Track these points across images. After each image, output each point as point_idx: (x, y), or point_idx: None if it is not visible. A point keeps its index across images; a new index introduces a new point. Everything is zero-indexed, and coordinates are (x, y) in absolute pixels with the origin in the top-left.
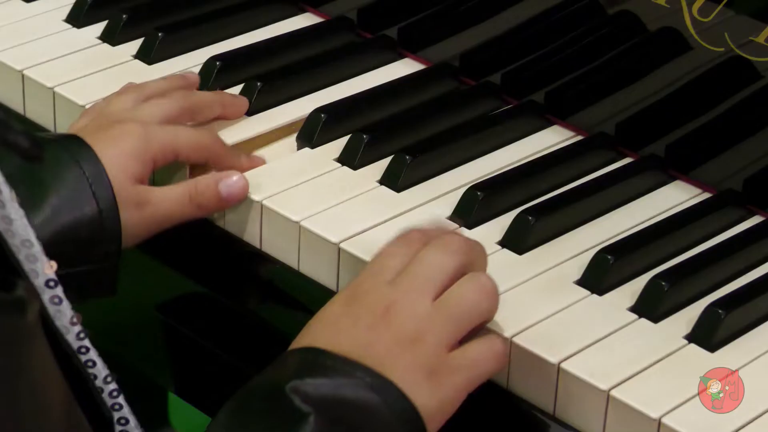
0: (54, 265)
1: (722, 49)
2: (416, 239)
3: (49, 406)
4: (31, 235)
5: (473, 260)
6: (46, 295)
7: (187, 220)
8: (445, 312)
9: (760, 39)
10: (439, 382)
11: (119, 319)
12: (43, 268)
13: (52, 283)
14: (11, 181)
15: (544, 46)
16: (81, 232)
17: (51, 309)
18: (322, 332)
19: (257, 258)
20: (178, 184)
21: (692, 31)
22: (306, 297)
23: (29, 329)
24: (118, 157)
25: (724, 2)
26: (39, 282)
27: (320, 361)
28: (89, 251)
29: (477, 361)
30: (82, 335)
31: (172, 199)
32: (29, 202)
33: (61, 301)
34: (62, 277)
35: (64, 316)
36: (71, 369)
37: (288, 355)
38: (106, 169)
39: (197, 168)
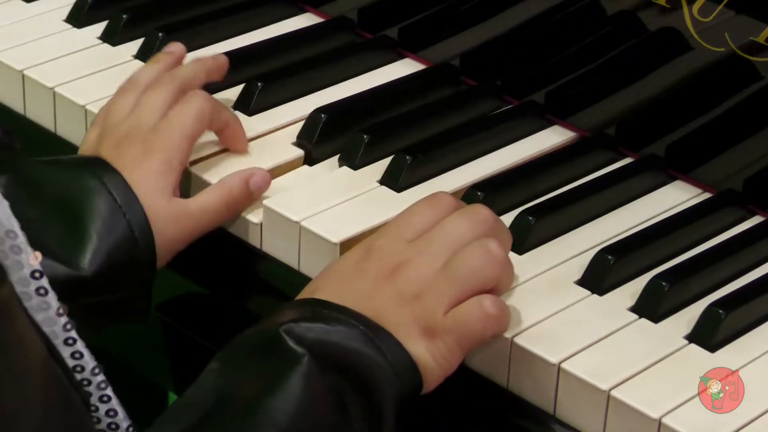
0: (39, 256)
1: (722, 49)
2: (445, 204)
3: (32, 382)
4: (15, 226)
5: (495, 236)
6: (31, 287)
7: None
8: (449, 274)
9: (760, 39)
10: (434, 339)
11: None
12: (28, 259)
13: (37, 274)
14: (47, 218)
15: (544, 47)
16: (116, 260)
17: (36, 300)
18: (328, 280)
19: (257, 258)
20: (212, 191)
21: (692, 31)
22: None
23: (2, 306)
24: (148, 178)
25: (724, 2)
26: (24, 273)
27: (317, 309)
28: (124, 278)
29: (466, 321)
30: (68, 326)
31: (211, 212)
32: (70, 241)
33: (47, 292)
34: (99, 305)
35: (50, 307)
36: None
37: (288, 304)
38: (138, 193)
39: None
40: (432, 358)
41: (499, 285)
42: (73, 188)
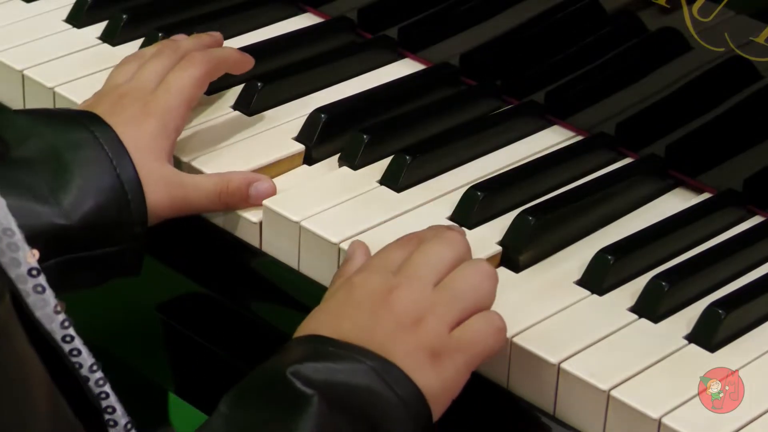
0: (36, 253)
1: (722, 49)
2: (415, 238)
3: (32, 400)
4: (12, 224)
5: (467, 251)
6: (29, 284)
7: (211, 212)
8: (447, 294)
9: (760, 39)
10: (442, 362)
11: (119, 319)
12: (25, 257)
13: (34, 272)
14: (34, 163)
15: (544, 47)
16: (107, 214)
17: (33, 298)
18: (324, 321)
19: (257, 258)
20: (210, 177)
21: (692, 31)
22: (306, 297)
23: (0, 323)
24: (143, 138)
25: (724, 2)
26: (21, 271)
27: (322, 347)
28: (115, 232)
29: (476, 338)
30: (66, 324)
31: (203, 192)
32: (55, 185)
33: (44, 289)
34: (87, 259)
35: (48, 305)
36: (54, 360)
37: (289, 343)
38: (132, 150)
39: None
40: (440, 385)
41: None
42: (63, 139)
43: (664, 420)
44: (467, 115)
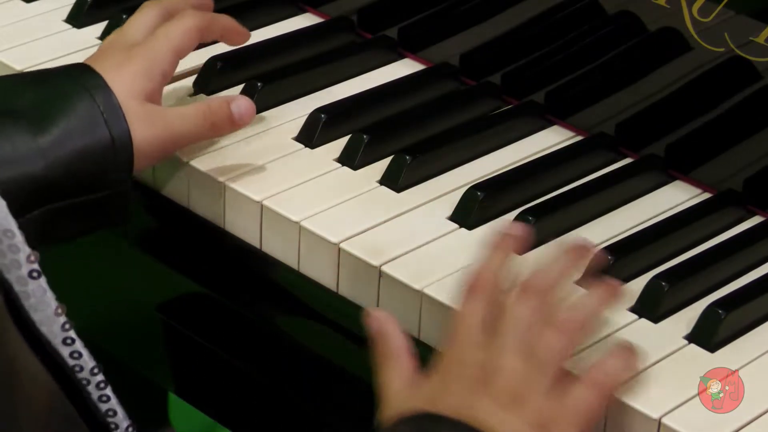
0: (37, 255)
1: (722, 49)
2: (485, 285)
3: (23, 401)
4: (13, 225)
5: (550, 300)
6: (29, 287)
7: (200, 140)
8: (537, 364)
9: (760, 39)
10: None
11: (119, 319)
12: (26, 259)
13: (35, 274)
14: (21, 113)
15: (544, 47)
16: (91, 160)
17: (34, 300)
18: (423, 404)
19: (257, 258)
20: (191, 105)
21: (692, 31)
22: (306, 297)
23: None
24: (124, 79)
25: (724, 2)
26: (22, 273)
27: (426, 424)
28: (100, 179)
29: (579, 406)
30: (67, 326)
31: (186, 117)
32: (37, 125)
33: (45, 291)
34: (71, 208)
35: (49, 307)
36: (54, 363)
37: (397, 423)
38: (114, 91)
39: None
40: None
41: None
42: (53, 93)
43: (664, 420)
44: (467, 115)
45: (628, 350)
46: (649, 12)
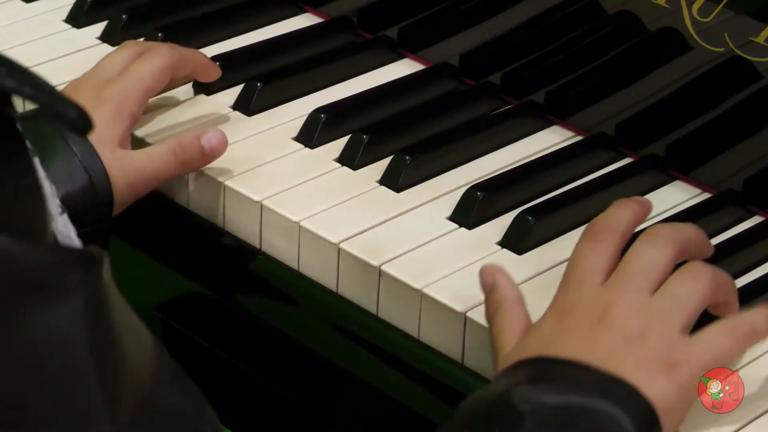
0: None
1: (722, 49)
2: (604, 231)
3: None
4: (72, 233)
5: (687, 247)
6: None
7: (173, 177)
8: (668, 301)
9: (760, 39)
10: (677, 370)
11: None
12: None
13: None
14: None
15: (544, 47)
16: (73, 203)
17: None
18: (538, 349)
19: (257, 258)
20: (161, 144)
21: (692, 31)
22: (306, 297)
23: (108, 279)
24: (96, 127)
25: (724, 2)
26: None
27: (546, 367)
28: (81, 217)
29: (715, 349)
30: None
31: (157, 159)
32: None
33: None
34: None
35: None
36: None
37: (506, 369)
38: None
39: None
40: (676, 394)
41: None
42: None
43: None
44: (467, 115)
45: None
46: (649, 12)
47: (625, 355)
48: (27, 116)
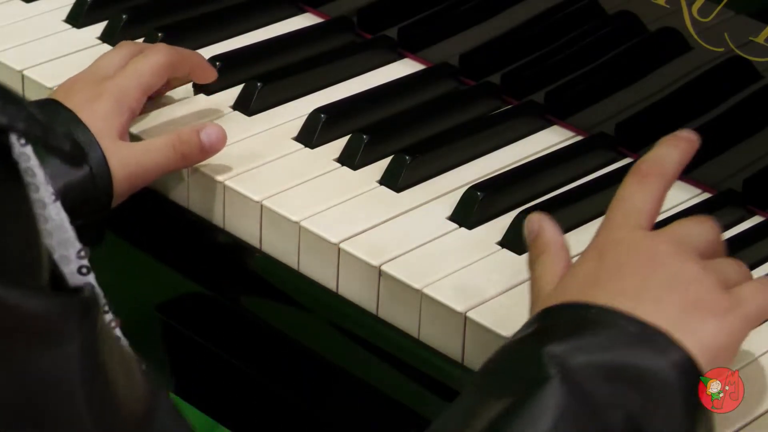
0: (87, 251)
1: (722, 49)
2: (652, 172)
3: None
4: (65, 220)
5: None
6: (79, 283)
7: (171, 171)
8: (716, 266)
9: (760, 39)
10: (720, 317)
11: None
12: (76, 254)
13: (84, 270)
14: None
15: (543, 47)
16: (72, 194)
17: None
18: (578, 290)
19: (257, 258)
20: (160, 136)
21: (692, 31)
22: (306, 297)
23: (101, 327)
24: (96, 120)
25: (724, 2)
26: (71, 269)
27: (581, 313)
28: (80, 209)
29: (748, 304)
30: (113, 324)
31: (155, 152)
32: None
33: (93, 288)
34: None
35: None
36: None
37: (545, 314)
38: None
39: None
40: (726, 336)
41: None
42: None
43: None
44: (467, 115)
45: None
46: (649, 12)
47: (671, 301)
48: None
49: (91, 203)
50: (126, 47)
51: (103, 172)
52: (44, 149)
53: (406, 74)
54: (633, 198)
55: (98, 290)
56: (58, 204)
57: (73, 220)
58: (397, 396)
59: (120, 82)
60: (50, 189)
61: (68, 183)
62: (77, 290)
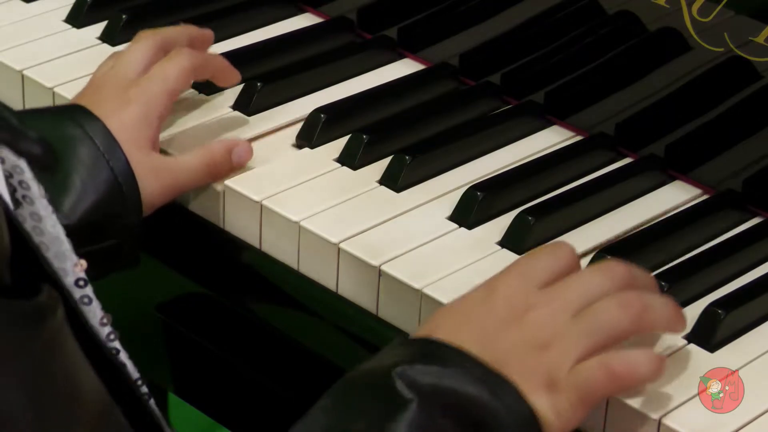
0: (84, 264)
1: (722, 49)
2: (567, 253)
3: (80, 415)
4: (60, 233)
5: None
6: (76, 295)
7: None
8: (581, 325)
9: (760, 39)
10: (556, 394)
11: (119, 319)
12: (72, 267)
13: (81, 283)
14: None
15: (543, 47)
16: (104, 210)
17: (80, 309)
18: (450, 319)
19: (257, 258)
20: (195, 152)
21: (692, 31)
22: (306, 297)
23: (51, 336)
24: (125, 128)
25: (724, 2)
26: (69, 281)
27: (433, 349)
28: (111, 226)
29: (587, 381)
30: (111, 336)
31: (190, 170)
32: (54, 188)
33: (90, 301)
34: (86, 256)
35: (94, 316)
36: (109, 370)
37: (402, 341)
38: (119, 141)
39: None
40: (554, 413)
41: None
42: (54, 136)
43: (664, 420)
44: (467, 115)
45: (658, 359)
46: (649, 12)
47: (520, 360)
48: (51, 111)
49: (121, 218)
50: (145, 42)
51: (130, 184)
52: (14, 153)
53: (406, 74)
54: (538, 260)
55: (95, 303)
56: (54, 217)
57: (106, 240)
58: None
59: (146, 89)
60: (44, 202)
61: (98, 198)
62: (33, 294)
